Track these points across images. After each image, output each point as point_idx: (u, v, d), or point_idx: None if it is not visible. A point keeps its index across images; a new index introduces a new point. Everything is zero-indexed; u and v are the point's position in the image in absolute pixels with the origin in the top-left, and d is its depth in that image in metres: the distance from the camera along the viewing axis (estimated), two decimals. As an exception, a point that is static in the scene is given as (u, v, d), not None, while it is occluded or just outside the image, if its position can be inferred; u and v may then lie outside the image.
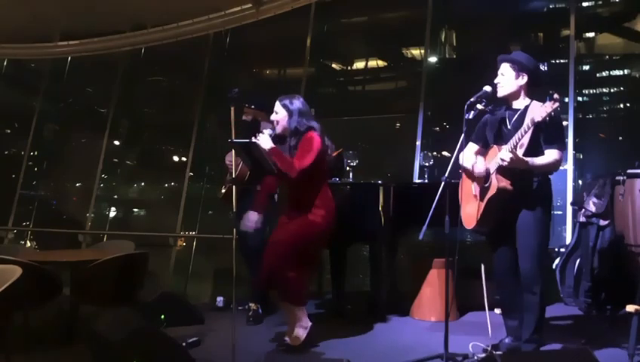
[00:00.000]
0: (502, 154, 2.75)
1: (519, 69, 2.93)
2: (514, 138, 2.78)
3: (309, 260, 3.32)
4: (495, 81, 2.97)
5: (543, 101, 2.74)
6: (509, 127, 2.95)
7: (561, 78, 5.62)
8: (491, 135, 3.04)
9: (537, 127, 2.75)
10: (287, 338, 3.31)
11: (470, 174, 3.08)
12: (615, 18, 6.11)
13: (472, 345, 3.01)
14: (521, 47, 6.25)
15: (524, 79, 2.94)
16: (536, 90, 2.99)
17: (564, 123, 5.41)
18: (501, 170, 2.82)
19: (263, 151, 3.88)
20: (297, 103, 3.36)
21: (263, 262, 3.26)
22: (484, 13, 6.15)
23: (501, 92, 2.96)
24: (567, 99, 5.52)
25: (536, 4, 6.37)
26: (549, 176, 2.95)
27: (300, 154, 3.23)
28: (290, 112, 3.33)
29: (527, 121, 2.73)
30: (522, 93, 2.96)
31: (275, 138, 3.32)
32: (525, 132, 2.75)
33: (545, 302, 2.94)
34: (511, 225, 2.92)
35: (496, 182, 2.84)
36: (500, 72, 2.98)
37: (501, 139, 2.96)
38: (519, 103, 2.96)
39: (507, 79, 2.95)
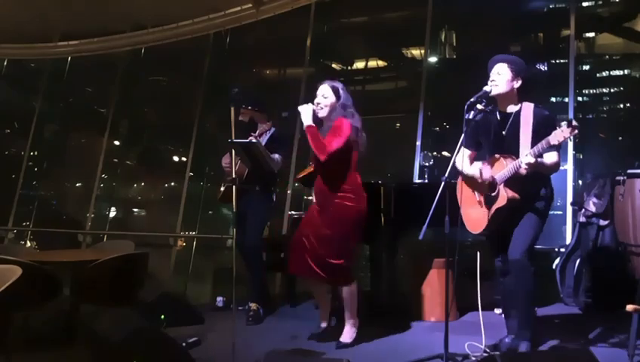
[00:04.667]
0: (527, 159, 2.73)
1: (516, 71, 2.95)
2: (537, 147, 2.74)
3: (348, 243, 3.32)
4: (491, 80, 2.96)
5: (533, 102, 2.83)
6: (504, 132, 2.95)
7: (561, 78, 5.63)
8: (485, 139, 3.05)
9: (535, 131, 2.80)
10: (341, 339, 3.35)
11: (470, 182, 3.08)
12: (615, 18, 6.11)
13: (467, 345, 3.01)
14: (521, 47, 6.29)
15: (518, 83, 2.95)
16: (526, 95, 3.01)
17: (563, 123, 5.40)
18: (509, 182, 2.84)
19: (262, 151, 3.90)
20: (344, 91, 3.37)
21: (299, 251, 3.31)
22: (484, 13, 6.16)
23: (495, 90, 2.95)
24: (567, 99, 5.52)
25: (536, 4, 6.36)
26: (550, 179, 2.99)
27: (329, 138, 3.23)
28: (338, 97, 3.33)
29: (542, 143, 2.71)
30: (514, 97, 2.97)
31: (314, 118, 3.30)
32: (544, 147, 2.73)
33: (533, 297, 2.96)
34: (513, 227, 2.93)
35: (505, 193, 2.85)
36: (495, 70, 2.97)
37: (497, 144, 2.97)
38: (511, 107, 2.97)
39: (503, 79, 2.94)
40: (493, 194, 2.92)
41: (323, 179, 3.35)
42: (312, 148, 3.24)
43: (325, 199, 3.33)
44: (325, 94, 3.33)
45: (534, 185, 2.89)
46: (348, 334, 3.35)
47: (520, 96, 2.97)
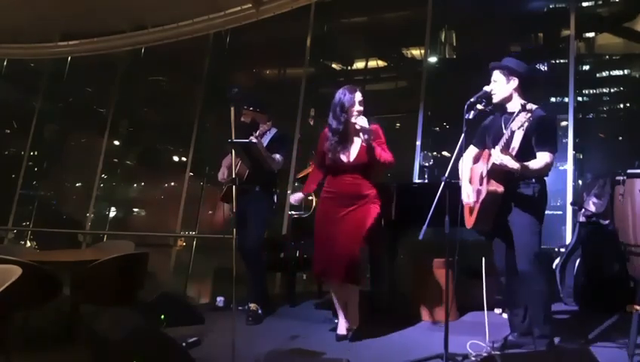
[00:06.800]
0: (493, 158, 2.78)
1: (508, 73, 3.01)
2: (500, 143, 2.81)
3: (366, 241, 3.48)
4: (488, 89, 3.03)
5: (538, 103, 2.85)
6: (504, 131, 2.97)
7: (561, 78, 5.63)
8: (489, 139, 3.07)
9: (527, 131, 2.80)
10: (340, 331, 3.47)
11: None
12: (615, 18, 6.12)
13: (469, 344, 3.01)
14: (521, 48, 6.29)
15: (515, 82, 3.00)
16: (531, 91, 3.05)
17: (564, 123, 5.42)
18: (492, 174, 2.86)
19: (262, 151, 3.90)
20: None
21: (337, 252, 3.33)
22: (484, 13, 6.16)
23: (495, 98, 3.04)
24: (567, 99, 5.52)
25: (536, 4, 6.37)
26: (545, 179, 2.99)
27: (382, 146, 3.37)
28: None
29: (510, 127, 2.77)
30: (515, 96, 3.01)
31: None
32: (509, 137, 2.79)
33: (548, 299, 2.97)
34: (507, 225, 2.95)
35: (487, 186, 2.88)
36: (492, 78, 3.05)
37: (496, 142, 2.98)
38: (513, 106, 2.99)
39: (498, 85, 3.02)
40: (480, 187, 2.95)
41: (358, 180, 3.41)
42: (377, 156, 3.33)
43: (355, 199, 3.39)
44: (361, 100, 3.45)
45: (517, 180, 2.90)
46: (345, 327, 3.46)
47: (523, 93, 3.01)
